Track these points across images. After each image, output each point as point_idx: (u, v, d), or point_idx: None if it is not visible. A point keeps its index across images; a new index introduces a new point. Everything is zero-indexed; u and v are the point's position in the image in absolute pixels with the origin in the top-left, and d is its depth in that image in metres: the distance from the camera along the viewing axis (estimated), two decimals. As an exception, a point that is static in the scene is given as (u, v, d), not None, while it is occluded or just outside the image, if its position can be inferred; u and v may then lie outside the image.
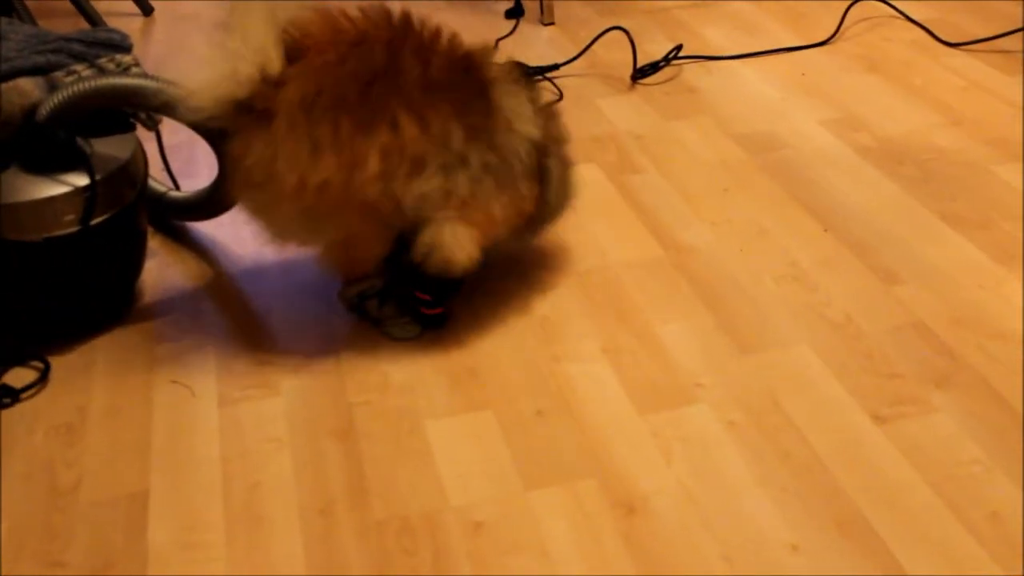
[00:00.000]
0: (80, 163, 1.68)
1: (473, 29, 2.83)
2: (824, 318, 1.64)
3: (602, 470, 1.40)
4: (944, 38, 2.51)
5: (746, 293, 1.71)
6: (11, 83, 1.67)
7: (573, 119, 2.30)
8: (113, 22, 3.13)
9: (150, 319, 1.78)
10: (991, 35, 2.50)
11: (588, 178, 2.07)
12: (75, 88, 1.65)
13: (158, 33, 3.06)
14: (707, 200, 1.97)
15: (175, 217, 2.01)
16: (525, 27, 2.81)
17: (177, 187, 2.06)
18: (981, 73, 2.35)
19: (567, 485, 1.38)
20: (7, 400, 1.62)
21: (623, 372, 1.56)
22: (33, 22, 2.28)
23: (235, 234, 2.00)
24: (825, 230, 1.85)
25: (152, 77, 1.68)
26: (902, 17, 2.65)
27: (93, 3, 2.98)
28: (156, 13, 3.21)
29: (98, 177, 1.67)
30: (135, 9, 3.23)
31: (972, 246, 1.78)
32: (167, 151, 2.17)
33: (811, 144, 2.13)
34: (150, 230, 2.02)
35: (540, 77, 2.48)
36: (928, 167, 2.02)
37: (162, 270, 1.93)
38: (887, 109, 2.23)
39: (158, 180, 2.04)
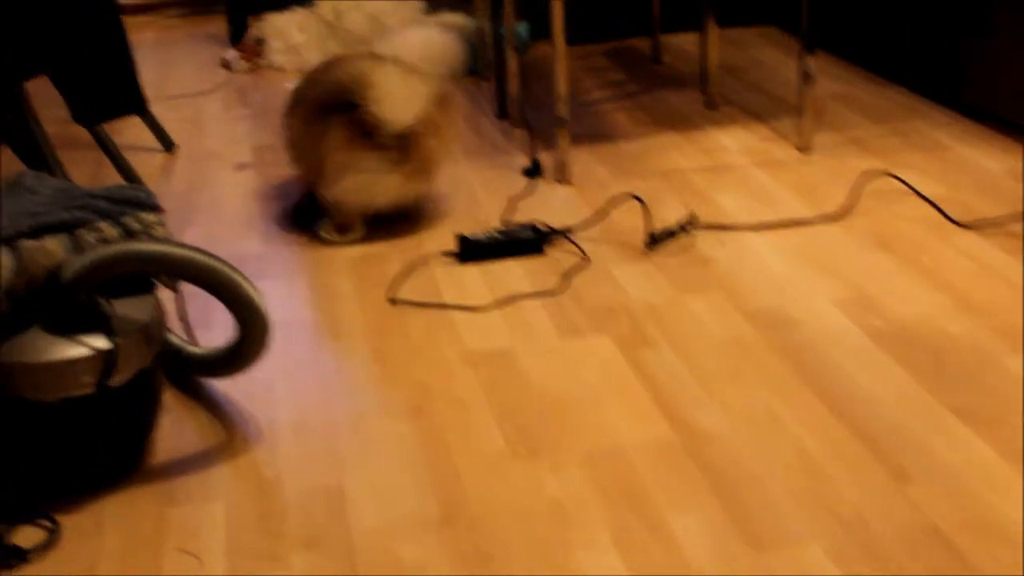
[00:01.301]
0: (100, 325, 1.70)
1: (491, 184, 2.87)
2: (835, 514, 1.64)
3: (611, 672, 1.39)
4: (955, 217, 2.55)
5: (758, 483, 1.71)
6: (37, 243, 1.70)
7: (587, 286, 2.32)
8: (135, 157, 3.17)
9: (161, 479, 1.78)
10: (1000, 216, 2.53)
11: (601, 352, 2.09)
12: (99, 253, 1.67)
13: (179, 169, 3.10)
14: (720, 380, 1.99)
15: (191, 373, 2.02)
16: (542, 185, 2.85)
17: (194, 341, 2.07)
18: (991, 256, 2.38)
19: None
20: (15, 561, 1.61)
21: (633, 565, 1.56)
22: (64, 175, 2.32)
23: (249, 392, 2.01)
24: (837, 419, 1.86)
25: (176, 243, 1.70)
26: (913, 193, 2.68)
27: (116, 137, 3.02)
28: (178, 150, 3.26)
29: (117, 340, 1.69)
30: (157, 144, 3.27)
31: (983, 443, 1.79)
32: (185, 299, 2.18)
33: (823, 324, 2.15)
34: (165, 383, 2.03)
35: (558, 239, 2.51)
36: (939, 355, 2.03)
37: (175, 426, 1.93)
38: (899, 290, 2.26)
39: (175, 333, 2.06)
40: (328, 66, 2.66)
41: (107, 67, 2.28)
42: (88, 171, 3.11)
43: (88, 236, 1.80)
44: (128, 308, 1.76)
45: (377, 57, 2.62)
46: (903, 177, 2.76)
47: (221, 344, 1.95)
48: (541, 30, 4.15)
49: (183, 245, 1.70)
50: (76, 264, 1.67)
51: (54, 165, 2.34)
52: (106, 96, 2.31)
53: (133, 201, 1.89)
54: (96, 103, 2.30)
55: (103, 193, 1.90)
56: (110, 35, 2.27)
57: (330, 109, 2.50)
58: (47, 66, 2.27)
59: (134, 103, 2.34)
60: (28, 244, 1.74)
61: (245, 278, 1.75)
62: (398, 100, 2.45)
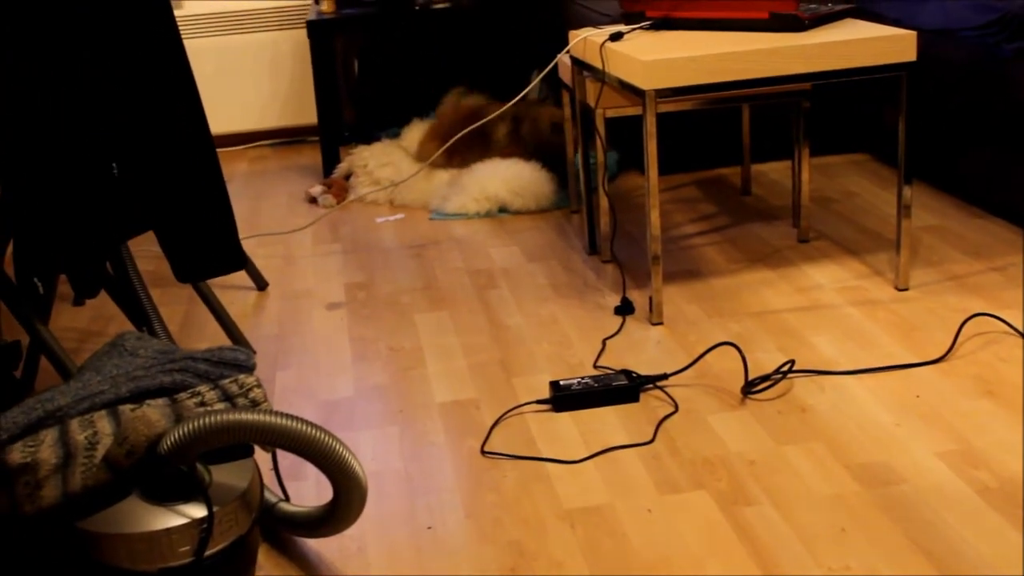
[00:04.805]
0: (198, 493, 1.69)
1: (582, 324, 2.85)
2: None
3: None
4: (1061, 361, 2.48)
5: (868, 660, 1.65)
6: (139, 412, 1.70)
7: (684, 436, 2.28)
8: (228, 295, 3.21)
9: (254, 648, 1.76)
10: (1110, 361, 2.46)
11: (700, 509, 2.04)
12: (198, 424, 1.66)
13: (271, 309, 3.13)
14: (824, 541, 1.93)
15: (283, 529, 2.01)
16: (634, 325, 2.82)
17: (287, 496, 2.06)
18: (1102, 403, 2.30)
19: None
20: None
21: None
22: (163, 325, 2.34)
23: (341, 549, 1.99)
24: (948, 586, 1.80)
25: (274, 413, 1.70)
26: (1016, 334, 2.62)
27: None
28: (270, 288, 3.29)
29: (215, 509, 1.68)
30: (250, 283, 3.31)
31: (1105, 616, 1.71)
32: (277, 452, 2.18)
33: (929, 480, 2.09)
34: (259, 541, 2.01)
35: (652, 386, 2.48)
36: (1053, 515, 1.96)
37: (267, 587, 1.91)
38: (1006, 442, 2.19)
39: (268, 488, 2.05)
40: None
41: (210, 227, 2.31)
42: (181, 310, 3.15)
43: (188, 401, 1.81)
44: (226, 474, 1.76)
45: None
46: (1005, 317, 2.70)
47: (315, 505, 1.94)
48: (629, 160, 4.17)
49: (280, 414, 1.70)
50: (175, 436, 1.67)
51: (153, 318, 2.36)
52: (208, 255, 2.33)
53: (232, 364, 1.90)
54: (198, 263, 2.33)
55: (203, 355, 1.91)
56: (213, 194, 2.31)
57: None
58: (152, 225, 2.30)
59: (235, 261, 2.36)
60: (128, 411, 1.75)
61: (343, 445, 1.74)
62: None
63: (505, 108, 3.62)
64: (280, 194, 4.29)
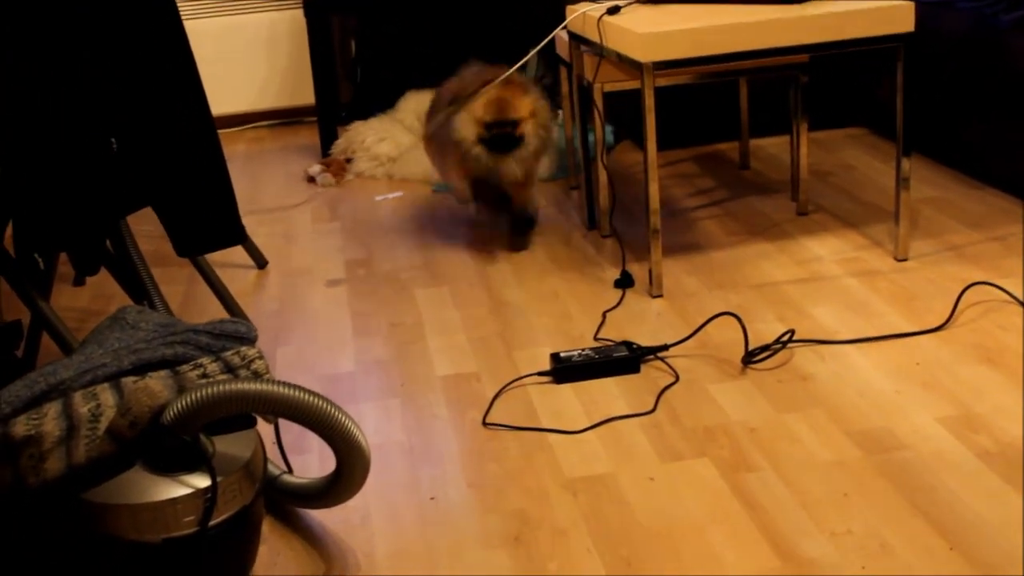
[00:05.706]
0: (202, 464, 1.70)
1: (582, 297, 2.86)
2: (955, 655, 1.58)
3: None
4: (1061, 328, 2.49)
5: (871, 621, 1.66)
6: (141, 383, 1.71)
7: (685, 405, 2.29)
8: (228, 274, 3.21)
9: (260, 617, 1.77)
10: (1110, 327, 2.47)
11: (702, 477, 2.05)
12: (201, 395, 1.67)
13: (271, 286, 3.13)
14: (826, 506, 1.94)
15: (287, 501, 2.02)
16: (634, 298, 2.83)
17: (290, 469, 2.07)
18: (1101, 369, 2.31)
19: None
20: None
21: None
22: (163, 302, 2.34)
23: (345, 520, 2.00)
24: (951, 548, 1.80)
25: (276, 382, 1.70)
26: (1016, 302, 2.63)
27: (210, 255, 3.05)
28: (270, 266, 3.29)
29: (219, 479, 1.69)
30: (250, 261, 3.31)
31: (1107, 576, 1.72)
32: (280, 425, 2.18)
33: (930, 445, 2.09)
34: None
35: (653, 357, 2.49)
36: (1054, 478, 1.97)
37: (272, 557, 1.92)
38: (1006, 408, 2.19)
39: (271, 461, 2.05)
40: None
41: (210, 201, 2.31)
42: (181, 289, 3.15)
43: (190, 372, 1.81)
44: (229, 445, 1.77)
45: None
46: (1004, 286, 2.71)
47: (318, 476, 1.95)
48: (624, 132, 4.17)
49: (283, 383, 1.70)
50: (178, 406, 1.67)
51: (154, 295, 2.36)
52: (208, 229, 2.34)
53: (233, 336, 1.90)
54: (199, 237, 2.33)
55: (205, 328, 1.91)
56: (213, 168, 2.31)
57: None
58: (151, 200, 2.31)
59: (235, 234, 2.37)
60: (131, 383, 1.76)
61: (346, 415, 1.75)
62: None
63: (496, 82, 3.61)
64: (278, 174, 4.29)
